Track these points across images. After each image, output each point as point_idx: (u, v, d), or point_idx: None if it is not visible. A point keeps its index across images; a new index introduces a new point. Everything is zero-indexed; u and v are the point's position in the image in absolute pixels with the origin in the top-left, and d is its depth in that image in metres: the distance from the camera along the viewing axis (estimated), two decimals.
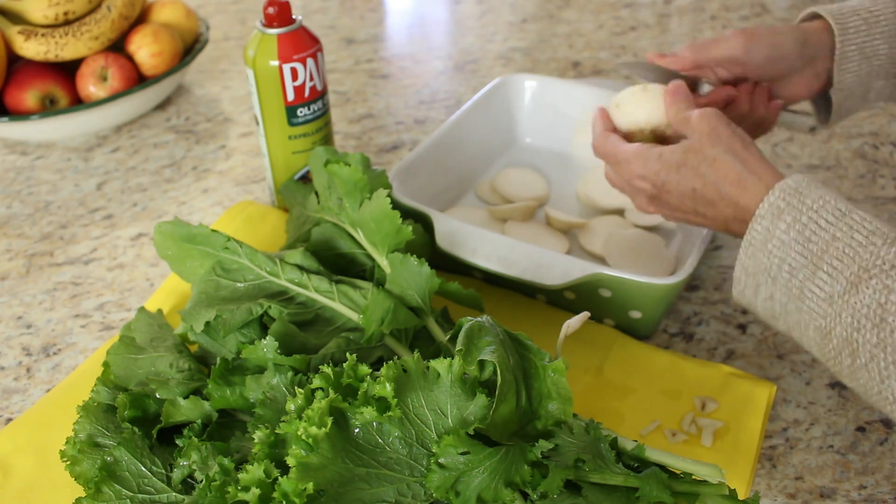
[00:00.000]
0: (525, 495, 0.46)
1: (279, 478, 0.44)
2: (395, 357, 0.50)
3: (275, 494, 0.44)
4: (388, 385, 0.46)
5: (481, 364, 0.49)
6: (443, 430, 0.47)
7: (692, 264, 0.63)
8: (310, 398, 0.48)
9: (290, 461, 0.44)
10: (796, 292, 0.50)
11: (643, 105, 0.64)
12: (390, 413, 0.46)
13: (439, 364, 0.48)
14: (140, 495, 0.51)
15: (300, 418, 0.47)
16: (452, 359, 0.48)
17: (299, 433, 0.45)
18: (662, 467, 0.48)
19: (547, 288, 0.63)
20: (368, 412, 0.46)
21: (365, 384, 0.48)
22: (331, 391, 0.47)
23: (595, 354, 0.66)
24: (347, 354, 0.50)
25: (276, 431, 0.47)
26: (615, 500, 0.46)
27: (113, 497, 0.51)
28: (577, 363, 0.64)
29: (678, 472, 0.48)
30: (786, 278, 0.51)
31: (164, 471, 0.53)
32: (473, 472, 0.45)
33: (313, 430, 0.45)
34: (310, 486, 0.43)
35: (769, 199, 0.52)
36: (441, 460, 0.45)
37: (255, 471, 0.45)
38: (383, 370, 0.47)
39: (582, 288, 0.65)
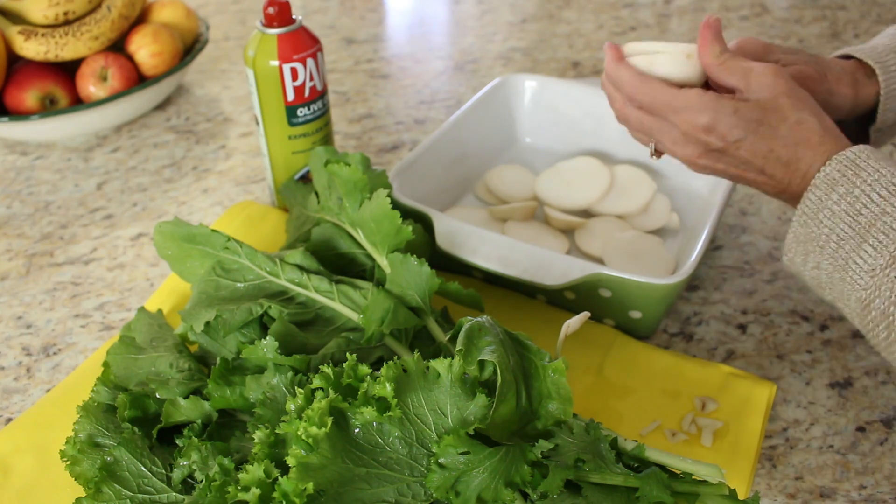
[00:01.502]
0: (525, 495, 0.46)
1: (279, 478, 0.44)
2: (395, 357, 0.50)
3: (275, 494, 0.44)
4: (388, 385, 0.46)
5: (481, 364, 0.49)
6: (443, 430, 0.47)
7: (692, 264, 0.63)
8: (310, 398, 0.48)
9: (290, 461, 0.44)
10: (841, 263, 0.51)
11: (682, 69, 0.59)
12: (390, 413, 0.46)
13: (439, 364, 0.48)
14: (140, 495, 0.51)
15: (300, 418, 0.47)
16: (452, 359, 0.48)
17: (299, 433, 0.45)
18: (662, 467, 0.48)
19: (547, 288, 0.63)
20: (368, 412, 0.46)
21: (365, 384, 0.48)
22: (331, 391, 0.47)
23: (595, 354, 0.66)
24: (347, 354, 0.50)
25: (277, 431, 0.47)
26: (615, 500, 0.46)
27: (113, 497, 0.51)
28: (577, 363, 0.64)
29: (678, 472, 0.48)
30: (833, 248, 0.52)
31: (164, 471, 0.53)
32: (473, 472, 0.45)
33: (313, 430, 0.45)
34: (310, 486, 0.43)
35: (825, 169, 0.52)
36: (441, 460, 0.45)
37: (255, 471, 0.45)
38: (383, 370, 0.47)
39: (582, 288, 0.65)
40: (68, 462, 0.54)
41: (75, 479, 0.54)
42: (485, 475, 0.44)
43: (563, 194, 0.81)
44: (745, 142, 0.55)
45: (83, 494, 0.52)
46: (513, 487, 0.45)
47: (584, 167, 0.83)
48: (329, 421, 0.45)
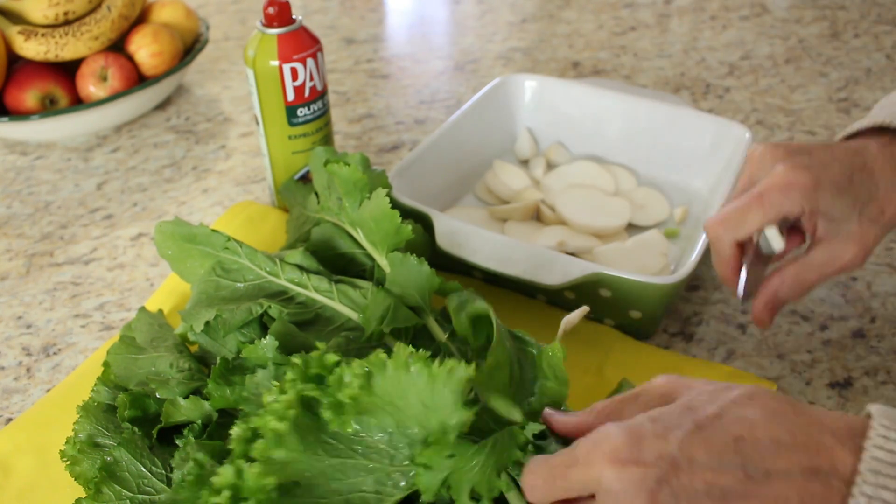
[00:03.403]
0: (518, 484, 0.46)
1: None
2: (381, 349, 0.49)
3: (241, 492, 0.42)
4: (356, 381, 0.44)
5: (474, 326, 0.49)
6: (425, 422, 0.45)
7: (692, 264, 0.63)
8: (284, 391, 0.46)
9: (254, 454, 0.43)
10: None
11: None
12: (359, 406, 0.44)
13: (419, 359, 0.45)
14: (140, 495, 0.51)
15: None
16: (446, 358, 0.47)
17: (265, 426, 0.43)
18: None
19: (547, 288, 0.63)
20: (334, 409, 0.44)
21: (334, 375, 0.45)
22: (299, 382, 0.45)
23: (595, 354, 0.66)
24: (316, 342, 0.47)
25: (250, 426, 0.45)
26: None
27: (113, 497, 0.51)
28: (577, 363, 0.64)
29: None
30: None
31: (163, 471, 0.53)
32: (462, 470, 0.44)
33: (275, 424, 0.43)
34: (271, 480, 0.42)
35: (877, 424, 0.37)
36: (427, 462, 0.44)
37: (226, 472, 0.43)
38: (355, 363, 0.45)
39: (582, 288, 0.65)
40: (68, 462, 0.54)
41: (75, 480, 0.54)
42: (475, 470, 0.44)
43: (585, 216, 0.79)
44: (695, 447, 0.38)
45: (83, 494, 0.53)
46: (506, 472, 0.44)
47: (602, 194, 0.82)
48: (291, 414, 0.43)
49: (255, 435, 0.46)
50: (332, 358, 0.46)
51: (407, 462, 0.45)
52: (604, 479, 0.38)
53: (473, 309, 0.51)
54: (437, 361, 0.44)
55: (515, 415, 0.47)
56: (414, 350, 0.44)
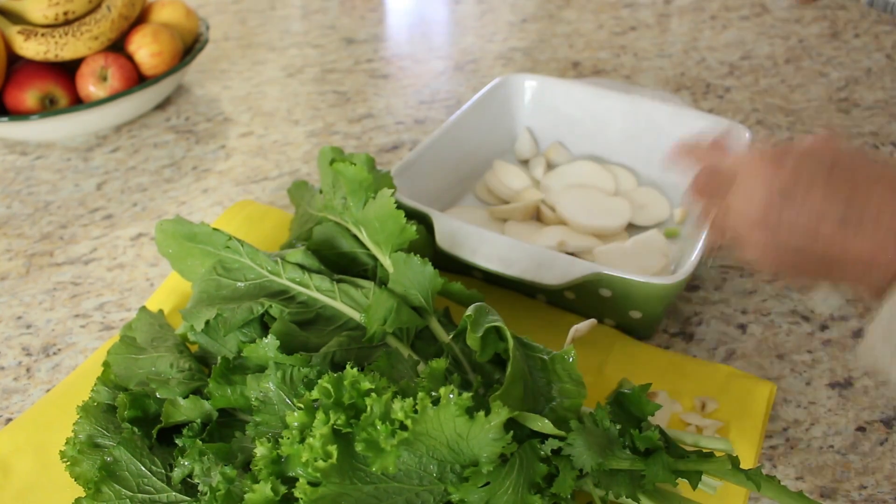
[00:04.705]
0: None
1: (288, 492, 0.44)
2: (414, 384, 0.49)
3: None
4: (398, 431, 0.45)
5: (485, 341, 0.49)
6: (457, 448, 0.46)
7: (692, 264, 0.63)
8: (311, 411, 0.47)
9: (298, 494, 0.44)
10: None
11: None
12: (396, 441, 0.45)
13: (462, 405, 0.46)
14: (140, 495, 0.51)
15: (302, 438, 0.46)
16: (461, 392, 0.46)
17: (304, 462, 0.44)
18: (668, 446, 0.49)
19: (547, 288, 0.63)
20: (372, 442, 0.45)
21: (369, 409, 0.45)
22: (331, 413, 0.46)
23: (595, 354, 0.66)
24: (348, 366, 0.48)
25: (279, 452, 0.46)
26: (621, 480, 0.47)
27: (113, 497, 0.51)
28: (577, 363, 0.64)
29: (688, 447, 0.49)
30: None
31: (163, 471, 0.53)
32: (498, 494, 0.45)
33: (319, 463, 0.44)
34: None
35: None
36: (464, 497, 0.45)
37: (262, 489, 0.45)
38: (397, 403, 0.45)
39: (582, 288, 0.65)
40: (68, 462, 0.54)
41: (75, 480, 0.54)
42: (510, 493, 0.45)
43: (585, 215, 0.79)
44: (807, 169, 0.46)
45: (83, 494, 0.52)
46: (536, 489, 0.46)
47: (602, 194, 0.82)
48: (334, 451, 0.44)
49: (280, 456, 0.46)
50: (365, 384, 0.46)
51: (435, 479, 0.46)
52: (746, 168, 0.49)
53: (489, 323, 0.51)
54: (469, 395, 0.45)
55: (547, 427, 0.48)
56: (457, 392, 0.45)
